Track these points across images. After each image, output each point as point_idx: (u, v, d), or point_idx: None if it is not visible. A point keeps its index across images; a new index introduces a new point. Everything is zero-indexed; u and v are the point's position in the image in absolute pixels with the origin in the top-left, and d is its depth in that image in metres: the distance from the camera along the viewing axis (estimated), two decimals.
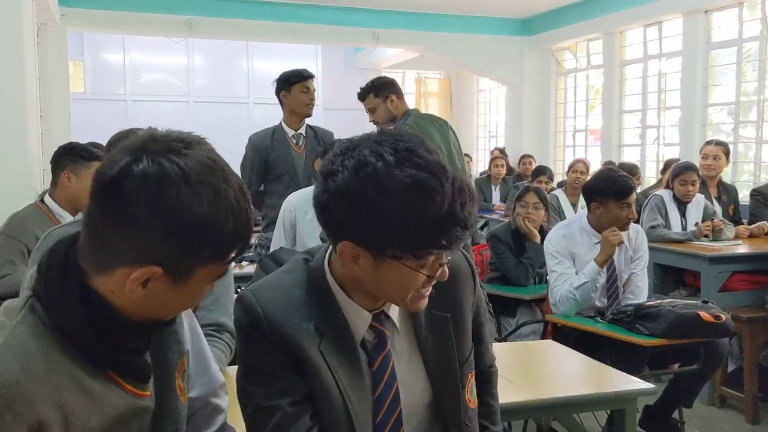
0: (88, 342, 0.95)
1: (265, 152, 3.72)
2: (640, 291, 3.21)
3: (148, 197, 0.91)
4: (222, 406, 1.31)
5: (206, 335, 1.76)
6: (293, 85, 3.72)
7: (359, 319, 1.25)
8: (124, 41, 10.21)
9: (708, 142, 4.96)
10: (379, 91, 3.54)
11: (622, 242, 3.11)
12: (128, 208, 0.91)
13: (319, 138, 3.77)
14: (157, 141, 0.95)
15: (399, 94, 3.60)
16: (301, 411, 1.21)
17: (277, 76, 3.78)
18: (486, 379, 1.48)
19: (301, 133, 3.78)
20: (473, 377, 1.37)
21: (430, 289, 1.21)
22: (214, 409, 1.29)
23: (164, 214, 0.91)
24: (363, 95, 3.64)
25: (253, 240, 3.58)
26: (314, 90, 3.76)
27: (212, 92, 10.71)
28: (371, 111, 3.65)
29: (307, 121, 3.84)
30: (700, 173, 4.52)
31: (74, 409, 0.92)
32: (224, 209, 0.94)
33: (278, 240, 3.00)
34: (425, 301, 1.23)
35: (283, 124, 3.79)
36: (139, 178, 0.91)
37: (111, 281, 0.96)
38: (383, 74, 11.31)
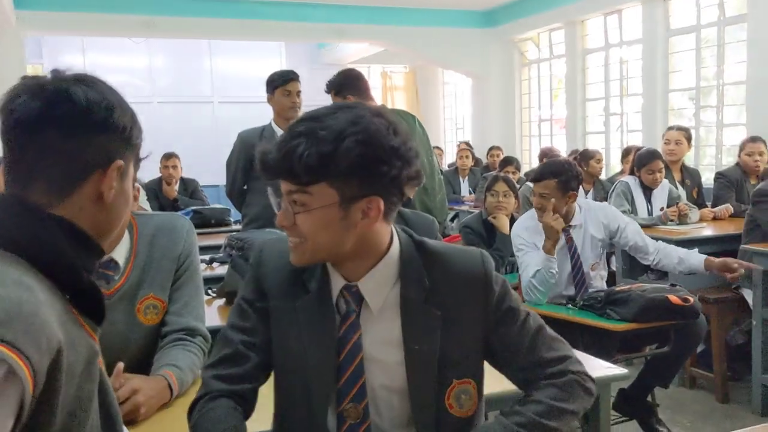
0: (66, 272, 0.95)
1: (253, 149, 3.69)
2: (656, 247, 3.23)
3: (95, 98, 1.00)
4: None
5: (178, 340, 1.75)
6: (276, 89, 3.71)
7: (335, 283, 1.29)
8: (84, 43, 10.04)
9: (670, 128, 5.03)
10: (339, 89, 3.51)
11: (561, 227, 3.11)
12: (87, 116, 0.99)
13: None
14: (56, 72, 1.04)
15: (361, 92, 3.54)
16: (250, 355, 1.31)
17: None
18: (543, 386, 1.32)
19: None
20: (465, 385, 1.31)
21: None
22: None
23: (113, 109, 1.01)
24: (327, 91, 3.62)
25: (223, 241, 3.55)
26: (298, 92, 3.74)
27: (176, 92, 10.59)
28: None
29: None
30: (664, 158, 4.59)
31: (71, 338, 0.91)
32: (125, 103, 1.08)
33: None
34: None
35: (273, 124, 3.78)
36: (79, 88, 0.99)
37: (80, 198, 0.99)
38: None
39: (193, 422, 1.29)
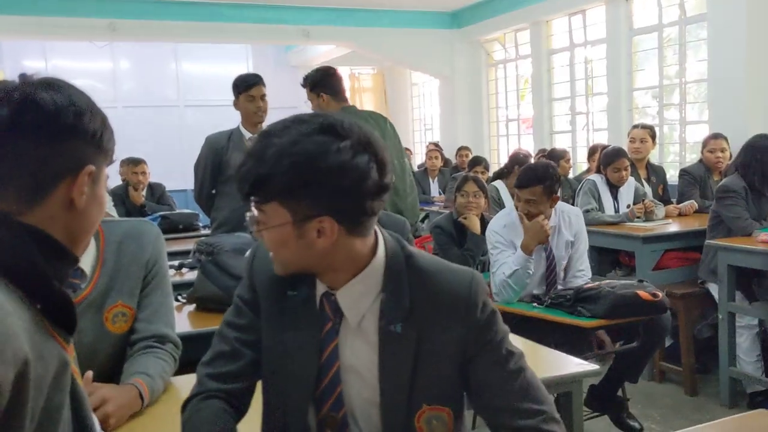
0: (35, 281, 0.93)
1: (221, 152, 3.66)
2: (582, 273, 3.28)
3: (63, 103, 0.98)
4: None
5: (149, 347, 1.73)
6: (240, 94, 3.69)
7: (319, 288, 1.28)
8: (45, 47, 9.86)
9: (635, 126, 5.11)
10: (314, 86, 3.51)
11: (546, 235, 3.14)
12: (54, 121, 0.97)
13: None
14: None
15: (333, 91, 3.54)
16: (245, 353, 1.32)
17: None
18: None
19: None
20: (437, 412, 1.27)
21: None
22: None
23: (81, 114, 1.00)
24: (303, 84, 3.62)
25: (192, 246, 3.51)
26: (263, 95, 3.69)
27: (141, 97, 10.44)
28: (310, 102, 3.63)
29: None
30: (629, 156, 4.66)
31: (39, 350, 0.90)
32: (96, 107, 1.07)
33: None
34: None
35: (240, 127, 3.75)
36: (45, 93, 0.97)
37: (51, 205, 0.98)
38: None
39: (184, 419, 1.29)
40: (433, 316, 1.25)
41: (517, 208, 3.26)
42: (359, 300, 1.25)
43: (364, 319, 1.26)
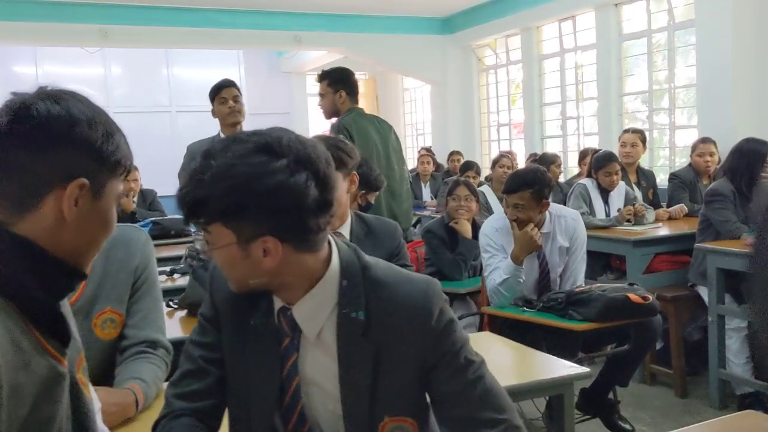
0: (24, 292, 0.93)
1: None
2: (576, 276, 3.28)
3: (58, 113, 0.97)
4: None
5: (140, 353, 1.73)
6: (213, 100, 3.80)
7: (276, 304, 1.28)
8: (36, 53, 9.83)
9: (626, 131, 5.14)
10: (333, 82, 3.57)
11: (536, 245, 3.13)
12: (45, 130, 0.96)
13: None
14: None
15: (351, 91, 3.64)
16: (211, 370, 1.31)
17: None
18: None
19: None
20: (400, 423, 1.27)
21: None
22: None
23: (76, 124, 0.98)
24: (321, 78, 3.67)
25: (184, 251, 3.51)
26: (234, 96, 3.78)
27: (132, 102, 10.42)
28: (321, 96, 3.68)
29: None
30: (620, 160, 4.69)
31: (23, 359, 0.89)
32: (112, 122, 1.07)
33: None
34: None
35: (221, 134, 3.81)
36: (42, 103, 0.97)
37: (42, 216, 0.96)
38: (308, 75, 11.30)
39: None
40: (390, 327, 1.23)
41: (506, 214, 3.25)
42: (315, 314, 1.24)
43: (322, 332, 1.25)
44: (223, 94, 3.75)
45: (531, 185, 3.11)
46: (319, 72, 3.73)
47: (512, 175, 3.26)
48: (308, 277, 1.22)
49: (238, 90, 3.84)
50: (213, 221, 1.14)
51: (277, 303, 1.27)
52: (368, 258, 1.29)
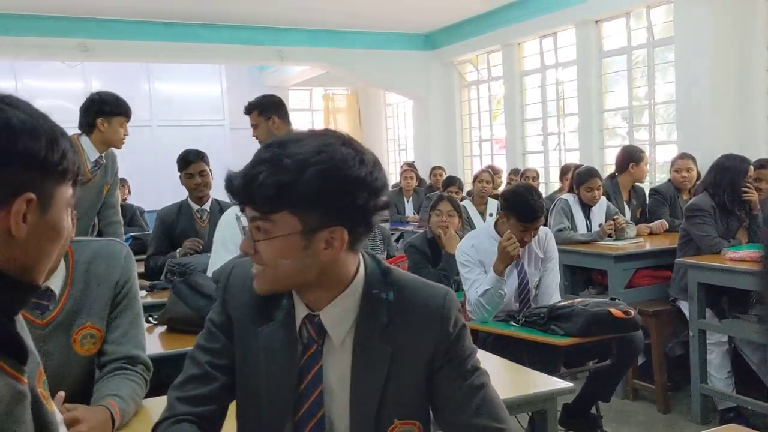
0: None
1: (172, 225, 3.84)
2: (551, 292, 3.30)
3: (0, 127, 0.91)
4: None
5: (119, 369, 1.70)
6: (180, 172, 3.84)
7: (299, 311, 1.27)
8: (15, 67, 9.74)
9: (680, 156, 4.88)
10: (264, 110, 3.52)
11: (518, 256, 3.14)
12: None
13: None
14: None
15: (283, 115, 3.56)
16: (216, 376, 1.30)
17: None
18: None
19: (205, 209, 3.89)
20: (408, 426, 1.28)
21: None
22: None
23: (17, 137, 0.92)
24: (248, 110, 3.63)
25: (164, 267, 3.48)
26: (201, 171, 3.81)
27: None
28: (254, 127, 3.65)
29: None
30: (677, 186, 4.77)
31: None
32: (53, 125, 0.99)
33: (221, 259, 2.85)
34: None
35: (188, 200, 3.88)
36: None
37: None
38: (290, 90, 11.30)
39: None
40: (408, 329, 1.26)
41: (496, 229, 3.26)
42: (343, 319, 1.25)
43: (348, 338, 1.26)
44: (190, 169, 3.81)
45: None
46: (245, 105, 3.71)
47: (538, 208, 3.15)
48: (343, 280, 1.24)
49: (206, 161, 3.88)
50: (282, 209, 1.13)
51: (300, 311, 1.26)
52: (386, 265, 1.33)
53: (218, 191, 3.32)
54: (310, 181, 1.11)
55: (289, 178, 1.11)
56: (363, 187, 1.14)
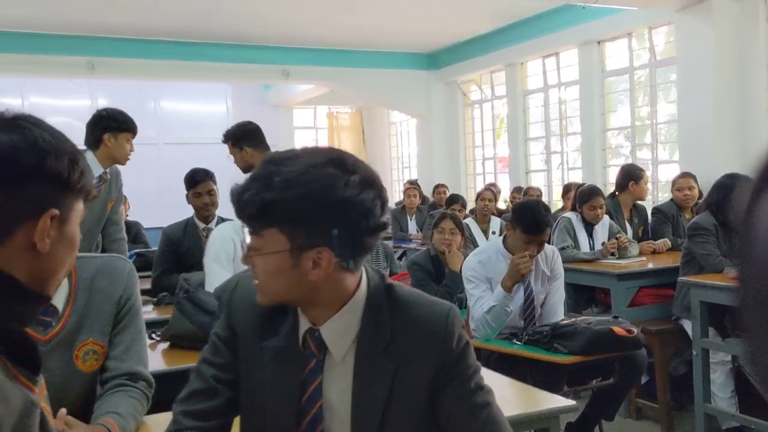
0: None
1: (178, 243, 3.85)
2: (556, 310, 3.29)
3: (22, 145, 0.95)
4: None
5: (120, 385, 1.70)
6: (188, 191, 3.86)
7: (302, 325, 1.27)
8: (22, 85, 9.82)
9: (680, 176, 4.90)
10: (236, 140, 3.55)
11: (529, 272, 3.15)
12: (11, 166, 0.94)
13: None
14: None
15: (257, 143, 3.55)
16: (221, 391, 1.30)
17: None
18: None
19: (210, 227, 3.89)
20: None
21: None
22: None
23: (44, 157, 0.96)
24: (224, 140, 3.65)
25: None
26: (210, 190, 3.83)
27: None
28: (233, 156, 3.68)
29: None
30: (679, 204, 4.77)
31: (0, 391, 0.88)
32: (73, 146, 1.05)
33: (216, 274, 2.87)
34: None
35: (195, 218, 3.89)
36: (4, 135, 0.95)
37: (12, 248, 0.95)
38: (295, 109, 11.37)
39: None
40: (411, 345, 1.25)
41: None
42: (344, 334, 1.25)
43: (349, 354, 1.26)
44: (198, 188, 3.83)
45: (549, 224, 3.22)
46: (223, 133, 3.71)
47: (543, 221, 3.17)
48: (341, 297, 1.24)
49: (214, 180, 3.89)
50: (271, 226, 1.15)
51: (303, 325, 1.27)
52: (391, 280, 1.33)
53: (222, 209, 3.34)
54: (294, 201, 1.12)
55: (273, 197, 1.13)
56: (347, 209, 1.14)
